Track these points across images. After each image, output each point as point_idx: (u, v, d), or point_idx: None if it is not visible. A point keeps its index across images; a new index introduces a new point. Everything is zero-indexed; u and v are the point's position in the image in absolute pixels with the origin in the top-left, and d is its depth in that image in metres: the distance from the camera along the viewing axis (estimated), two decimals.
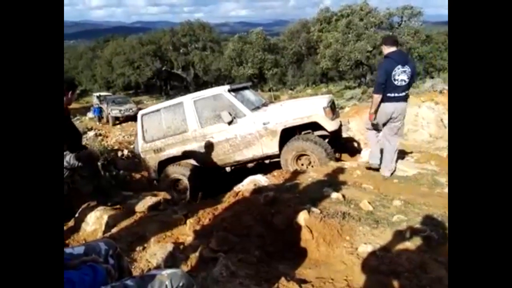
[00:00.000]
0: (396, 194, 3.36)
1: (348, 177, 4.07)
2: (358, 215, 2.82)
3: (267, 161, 5.06)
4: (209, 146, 4.88)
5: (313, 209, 2.87)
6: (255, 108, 5.02)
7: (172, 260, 2.32)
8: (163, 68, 30.03)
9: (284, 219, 2.86)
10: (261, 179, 3.97)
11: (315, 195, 3.37)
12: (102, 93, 21.46)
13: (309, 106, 4.64)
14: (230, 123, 4.65)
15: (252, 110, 4.82)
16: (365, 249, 2.33)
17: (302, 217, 2.72)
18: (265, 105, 5.36)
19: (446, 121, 7.60)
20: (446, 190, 3.45)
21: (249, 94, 5.61)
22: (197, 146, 4.92)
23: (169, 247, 2.41)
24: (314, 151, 4.48)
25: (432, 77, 13.97)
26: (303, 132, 4.75)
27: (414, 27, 21.56)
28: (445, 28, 28.84)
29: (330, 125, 4.46)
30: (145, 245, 2.60)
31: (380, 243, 2.39)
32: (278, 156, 4.77)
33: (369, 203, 3.07)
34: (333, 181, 3.87)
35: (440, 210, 2.89)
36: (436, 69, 21.75)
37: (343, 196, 3.27)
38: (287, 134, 4.69)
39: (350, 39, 20.63)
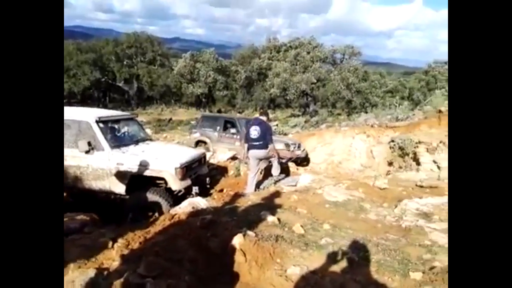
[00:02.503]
0: (327, 218, 3.59)
1: (285, 201, 4.24)
2: (290, 238, 2.94)
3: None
4: None
5: (249, 232, 2.93)
6: (122, 144, 5.04)
7: (93, 287, 2.16)
8: (103, 79, 28.34)
9: (220, 243, 2.87)
10: (200, 202, 3.94)
11: (252, 218, 3.45)
12: None
13: (165, 161, 4.76)
14: (86, 152, 4.65)
15: (114, 147, 4.80)
16: (294, 271, 2.44)
17: (237, 241, 2.76)
18: (140, 141, 5.44)
19: (375, 153, 8.38)
20: (370, 215, 3.78)
21: (128, 126, 5.68)
22: None
23: (91, 273, 2.25)
24: (158, 202, 4.64)
25: (366, 112, 15.38)
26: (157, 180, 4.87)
27: (354, 64, 23.76)
28: (381, 68, 32.22)
29: (176, 185, 4.66)
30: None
31: (307, 265, 2.52)
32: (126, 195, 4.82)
33: (301, 226, 3.23)
34: (271, 205, 4.00)
35: (363, 233, 3.16)
36: (371, 104, 24.02)
37: (279, 219, 3.40)
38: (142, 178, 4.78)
39: (298, 70, 21.94)
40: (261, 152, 5.45)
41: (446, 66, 26.55)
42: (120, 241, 2.91)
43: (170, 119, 20.41)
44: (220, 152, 8.30)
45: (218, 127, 9.59)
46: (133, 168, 4.70)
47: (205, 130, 9.82)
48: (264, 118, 5.66)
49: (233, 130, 9.28)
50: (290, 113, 24.70)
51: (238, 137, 8.91)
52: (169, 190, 4.84)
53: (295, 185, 5.55)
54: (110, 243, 2.82)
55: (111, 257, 2.65)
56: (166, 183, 4.82)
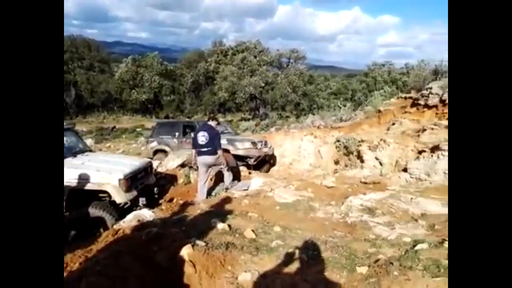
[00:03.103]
0: (277, 220, 3.63)
1: (237, 206, 4.21)
2: (241, 244, 2.91)
3: None
4: None
5: (198, 242, 2.83)
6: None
7: None
8: None
9: (168, 256, 2.73)
10: (146, 214, 3.74)
11: (202, 227, 3.35)
12: None
13: (107, 173, 4.54)
14: None
15: None
16: (245, 277, 2.40)
17: (186, 252, 2.65)
18: (79, 153, 5.13)
19: (322, 153, 8.75)
20: (318, 214, 3.91)
21: (65, 137, 5.30)
22: None
23: None
24: (102, 218, 4.38)
25: (313, 114, 16.04)
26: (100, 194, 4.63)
27: (299, 68, 24.67)
28: (325, 71, 33.77)
29: (120, 197, 4.47)
30: None
31: (259, 269, 2.51)
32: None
33: (252, 231, 3.22)
34: (222, 212, 3.94)
35: (312, 232, 3.24)
36: (318, 106, 25.15)
37: (229, 226, 3.35)
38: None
39: (245, 74, 22.14)
40: (210, 158, 5.37)
41: (384, 68, 28.91)
42: None
43: (114, 127, 19.20)
44: (168, 159, 8.00)
45: (177, 133, 8.93)
46: (71, 182, 4.35)
47: (162, 138, 9.04)
48: (213, 123, 5.58)
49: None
50: (240, 117, 24.82)
51: None
52: (114, 203, 4.55)
53: (247, 189, 5.55)
54: None
55: None
56: (110, 196, 4.52)
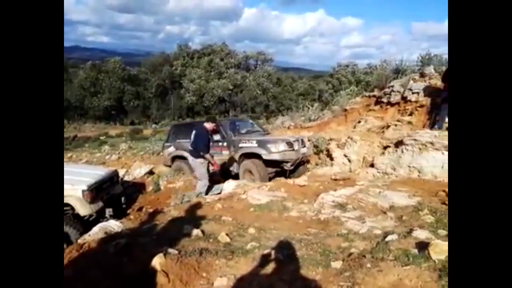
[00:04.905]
0: (252, 222, 3.60)
1: (209, 211, 4.12)
2: (215, 249, 2.84)
3: None
4: None
5: (170, 250, 2.73)
6: None
7: None
8: None
9: (138, 267, 2.60)
10: (113, 225, 3.55)
11: (174, 234, 3.24)
12: None
13: (69, 185, 4.23)
14: None
15: None
16: (221, 282, 2.34)
17: (157, 262, 2.53)
18: None
19: None
20: (292, 213, 3.93)
21: None
22: None
23: None
24: (65, 232, 4.13)
25: (283, 115, 16.23)
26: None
27: (267, 70, 24.94)
28: (292, 72, 34.32)
29: (85, 210, 4.31)
30: None
31: (235, 273, 2.46)
32: None
33: (226, 235, 3.16)
34: (194, 217, 3.84)
35: (286, 232, 3.25)
36: (286, 107, 25.54)
37: (203, 231, 3.27)
38: None
39: (212, 77, 22.01)
40: (190, 159, 5.54)
41: (348, 68, 29.97)
42: None
43: (75, 136, 18.22)
44: (134, 167, 7.71)
45: None
46: None
47: (180, 142, 7.38)
48: (208, 125, 5.66)
49: (217, 137, 6.84)
50: None
51: (226, 144, 6.99)
52: (78, 216, 4.30)
53: (220, 193, 5.47)
54: None
55: None
56: (73, 209, 4.27)
